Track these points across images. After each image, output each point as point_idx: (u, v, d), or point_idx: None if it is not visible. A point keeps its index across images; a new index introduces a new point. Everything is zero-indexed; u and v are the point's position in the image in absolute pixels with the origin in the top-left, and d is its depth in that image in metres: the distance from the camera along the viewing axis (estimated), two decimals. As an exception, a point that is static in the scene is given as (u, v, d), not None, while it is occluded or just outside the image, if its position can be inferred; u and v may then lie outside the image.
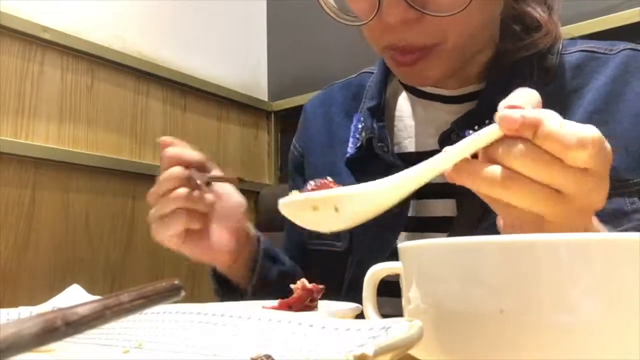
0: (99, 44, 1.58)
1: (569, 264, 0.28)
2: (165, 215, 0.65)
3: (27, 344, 0.18)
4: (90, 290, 0.50)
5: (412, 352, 0.27)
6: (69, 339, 0.20)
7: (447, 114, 0.69)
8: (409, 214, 0.70)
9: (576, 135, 0.37)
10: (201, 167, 0.67)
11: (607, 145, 0.38)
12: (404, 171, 0.40)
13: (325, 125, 0.83)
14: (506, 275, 0.28)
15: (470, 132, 0.64)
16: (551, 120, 0.37)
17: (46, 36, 1.46)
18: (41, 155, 1.43)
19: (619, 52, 0.68)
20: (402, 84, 0.77)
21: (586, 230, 0.42)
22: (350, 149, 0.75)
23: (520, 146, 0.37)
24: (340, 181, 0.75)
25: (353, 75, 0.87)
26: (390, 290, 0.41)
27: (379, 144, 0.71)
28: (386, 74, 0.78)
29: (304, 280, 0.47)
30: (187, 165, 0.66)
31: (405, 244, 0.34)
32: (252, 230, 0.75)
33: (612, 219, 0.59)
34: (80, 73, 1.55)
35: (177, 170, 0.65)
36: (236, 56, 2.04)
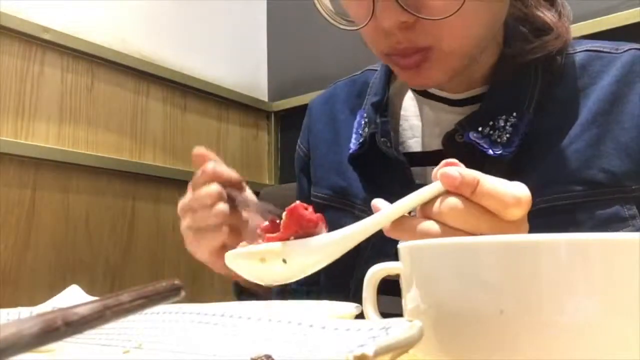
0: (99, 44, 1.59)
1: (569, 264, 0.28)
2: (204, 229, 0.64)
3: (27, 344, 0.18)
4: (90, 290, 0.50)
5: (412, 352, 0.27)
6: (69, 339, 0.20)
7: (453, 116, 0.70)
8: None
9: (513, 194, 0.41)
10: (237, 186, 0.68)
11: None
12: (352, 225, 0.43)
13: (330, 123, 0.83)
14: (506, 275, 0.28)
15: (474, 133, 0.65)
16: (488, 179, 0.42)
17: (46, 36, 1.46)
18: (41, 155, 1.43)
19: (624, 52, 0.68)
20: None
21: None
22: (353, 145, 0.75)
23: (453, 201, 0.42)
24: (346, 179, 0.76)
25: (357, 73, 0.87)
26: (391, 289, 0.42)
27: (382, 139, 0.71)
28: (389, 71, 0.77)
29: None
30: (225, 183, 0.66)
31: (405, 244, 0.34)
32: None
33: (610, 225, 0.60)
34: (80, 73, 1.55)
35: (216, 188, 0.65)
36: (236, 56, 2.05)
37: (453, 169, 0.43)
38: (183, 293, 0.23)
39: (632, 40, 0.72)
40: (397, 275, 0.36)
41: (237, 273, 0.44)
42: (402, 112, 0.76)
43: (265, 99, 2.13)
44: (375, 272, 0.38)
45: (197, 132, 1.85)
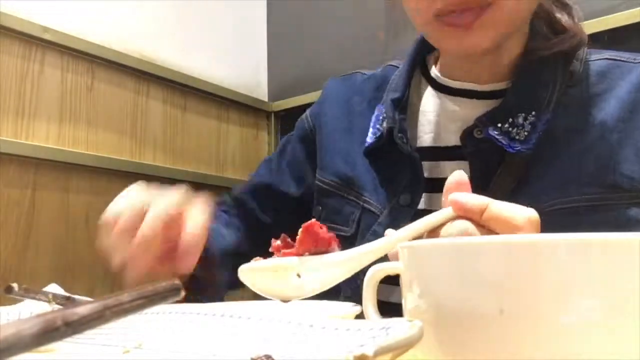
0: (99, 44, 1.58)
1: (569, 264, 0.28)
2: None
3: (27, 344, 0.18)
4: (90, 290, 0.50)
5: (412, 352, 0.27)
6: (69, 339, 0.20)
7: (472, 111, 0.70)
8: (420, 207, 0.71)
9: (523, 216, 0.42)
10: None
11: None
12: (366, 244, 0.43)
13: (345, 111, 0.84)
14: (506, 275, 0.28)
15: (493, 129, 0.66)
16: (496, 203, 0.43)
17: (46, 36, 1.46)
18: (41, 155, 1.43)
19: None
20: (428, 80, 0.78)
21: None
22: (370, 139, 0.76)
23: (463, 225, 0.43)
24: (355, 169, 0.77)
25: (378, 69, 0.88)
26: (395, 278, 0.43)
27: (399, 135, 0.72)
28: (412, 68, 0.79)
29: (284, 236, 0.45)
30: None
31: (405, 244, 0.34)
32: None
33: (628, 227, 0.61)
34: (80, 73, 1.55)
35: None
36: (236, 56, 2.04)
37: (462, 195, 0.44)
38: (183, 293, 0.23)
39: (632, 41, 0.73)
40: (397, 276, 0.36)
41: (251, 288, 0.43)
42: (421, 108, 0.77)
43: (265, 99, 2.13)
44: (375, 272, 0.38)
45: (197, 132, 1.85)
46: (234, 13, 2.04)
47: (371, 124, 0.78)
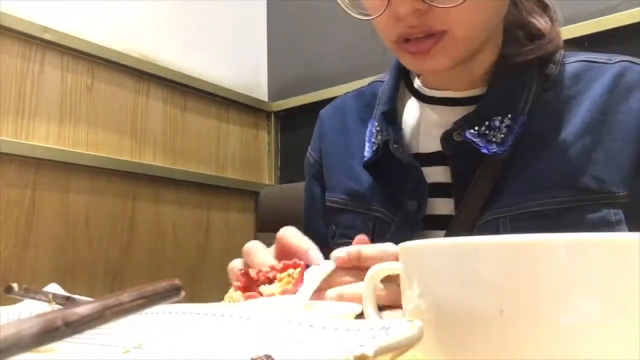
0: (99, 44, 1.59)
1: (568, 264, 0.28)
2: None
3: (27, 344, 0.18)
4: (91, 290, 0.50)
5: (412, 352, 0.27)
6: (69, 339, 0.20)
7: (452, 117, 0.72)
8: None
9: (393, 250, 0.52)
10: None
11: None
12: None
13: (342, 132, 0.87)
14: (506, 275, 0.28)
15: (470, 132, 0.69)
16: (367, 247, 0.55)
17: (46, 36, 1.46)
18: (41, 155, 1.43)
19: (615, 63, 0.72)
20: (410, 90, 0.81)
21: None
22: (367, 153, 0.79)
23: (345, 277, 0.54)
24: (360, 183, 0.81)
25: (365, 85, 0.91)
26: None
27: (395, 146, 0.74)
28: (397, 81, 0.81)
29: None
30: None
31: (405, 244, 0.34)
32: None
33: (598, 228, 0.63)
34: (80, 73, 1.55)
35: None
36: (236, 56, 2.05)
37: (341, 250, 0.54)
38: (183, 293, 0.23)
39: (632, 41, 0.73)
40: (397, 276, 0.36)
41: None
42: (404, 117, 0.79)
43: (265, 99, 2.13)
44: (375, 272, 0.38)
45: (197, 132, 1.85)
46: (234, 13, 2.04)
47: (366, 138, 0.80)
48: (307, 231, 0.91)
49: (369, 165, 0.79)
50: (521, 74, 0.71)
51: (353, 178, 0.81)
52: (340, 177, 0.84)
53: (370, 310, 0.38)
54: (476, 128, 0.69)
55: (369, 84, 0.91)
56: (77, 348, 0.38)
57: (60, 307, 0.42)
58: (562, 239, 0.28)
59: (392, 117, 0.77)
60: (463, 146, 0.69)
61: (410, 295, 0.33)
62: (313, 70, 2.03)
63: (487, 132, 0.68)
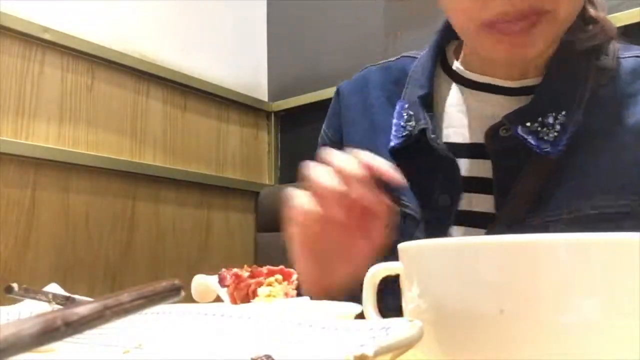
0: (99, 44, 1.59)
1: (568, 263, 0.28)
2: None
3: (27, 344, 0.18)
4: (91, 290, 0.51)
5: (412, 352, 0.27)
6: (69, 339, 0.20)
7: (497, 107, 0.68)
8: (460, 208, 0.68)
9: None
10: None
11: None
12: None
13: (364, 111, 0.79)
14: (506, 275, 0.28)
15: (522, 128, 0.63)
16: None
17: (46, 36, 1.46)
18: (41, 155, 1.43)
19: None
20: (449, 75, 0.74)
21: None
22: (395, 139, 0.71)
23: None
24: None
25: (392, 59, 0.83)
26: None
27: (432, 136, 0.68)
28: (434, 62, 0.75)
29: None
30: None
31: (405, 244, 0.34)
32: None
33: None
34: (80, 73, 1.55)
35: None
36: (236, 56, 2.05)
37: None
38: (183, 293, 0.23)
39: (632, 40, 0.72)
40: (397, 276, 0.36)
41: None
42: (444, 103, 0.73)
43: (265, 99, 2.13)
44: (375, 272, 0.38)
45: (197, 132, 1.85)
46: (234, 13, 2.04)
47: (393, 121, 0.73)
48: None
49: (395, 152, 0.71)
50: (578, 66, 0.66)
51: None
52: None
53: (370, 310, 0.38)
54: (528, 124, 0.63)
55: (397, 58, 0.82)
56: (77, 348, 0.38)
57: (60, 307, 0.42)
58: (562, 239, 0.28)
59: (429, 103, 0.71)
60: (511, 142, 0.64)
61: (410, 296, 0.33)
62: (313, 70, 2.03)
63: (539, 128, 0.63)
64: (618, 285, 0.27)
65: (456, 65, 0.74)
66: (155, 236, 1.69)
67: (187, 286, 0.22)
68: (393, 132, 0.72)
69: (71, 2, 1.55)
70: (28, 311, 0.45)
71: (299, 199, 0.55)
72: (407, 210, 0.69)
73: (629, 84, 0.66)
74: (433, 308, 0.31)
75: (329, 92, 1.84)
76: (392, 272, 0.37)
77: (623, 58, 0.68)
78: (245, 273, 0.52)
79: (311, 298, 0.58)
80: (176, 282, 0.23)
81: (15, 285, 0.44)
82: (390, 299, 0.41)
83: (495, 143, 0.65)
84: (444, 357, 0.31)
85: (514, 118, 0.64)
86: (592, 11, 0.68)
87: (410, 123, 0.71)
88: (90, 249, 1.52)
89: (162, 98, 1.77)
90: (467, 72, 0.72)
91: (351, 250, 0.58)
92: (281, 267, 0.53)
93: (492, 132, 0.65)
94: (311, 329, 0.31)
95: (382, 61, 0.84)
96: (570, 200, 0.62)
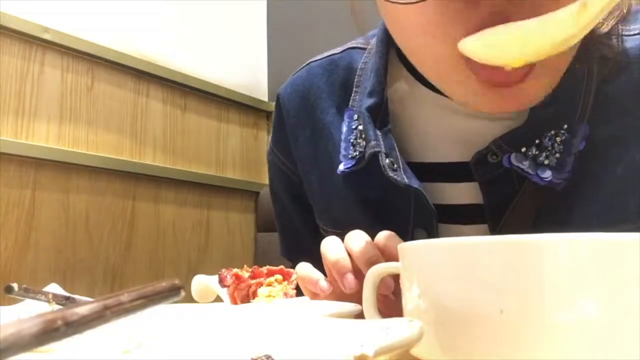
0: (99, 44, 1.58)
1: (569, 263, 0.28)
2: None
3: (27, 344, 0.18)
4: (91, 290, 0.51)
5: (412, 352, 0.27)
6: (69, 339, 0.20)
7: (479, 121, 0.55)
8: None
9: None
10: None
11: None
12: None
13: (311, 126, 0.64)
14: (506, 275, 0.28)
15: (517, 156, 0.50)
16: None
17: (46, 36, 1.46)
18: (41, 155, 1.43)
19: None
20: (410, 72, 0.58)
21: None
22: (346, 160, 0.58)
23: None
24: (347, 202, 0.59)
25: (336, 51, 0.67)
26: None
27: (387, 161, 0.55)
28: (386, 54, 0.58)
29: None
30: None
31: (405, 244, 0.34)
32: None
33: None
34: (80, 73, 1.55)
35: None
36: (236, 56, 2.05)
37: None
38: (183, 293, 0.23)
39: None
40: (397, 275, 0.36)
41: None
42: (408, 110, 0.58)
43: (265, 99, 2.13)
44: (375, 272, 0.38)
45: (197, 132, 1.85)
46: (234, 13, 2.04)
47: (342, 137, 0.60)
48: (285, 232, 0.72)
49: (347, 178, 0.58)
50: (580, 66, 0.51)
51: (334, 195, 0.61)
52: (320, 198, 0.63)
53: (370, 310, 0.38)
54: (523, 150, 0.50)
55: (343, 50, 0.66)
56: (77, 348, 0.38)
57: (60, 307, 0.42)
58: (562, 238, 0.28)
59: (381, 115, 0.56)
60: (502, 168, 0.51)
61: (410, 295, 0.33)
62: (313, 70, 2.02)
63: (537, 152, 0.50)
64: (618, 285, 0.27)
65: None
66: (155, 236, 1.69)
67: (187, 286, 0.22)
68: (342, 152, 0.59)
69: (71, 2, 1.55)
70: (28, 311, 0.45)
71: (314, 275, 0.49)
72: None
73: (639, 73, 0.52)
74: (433, 308, 0.31)
75: (329, 92, 1.85)
76: (392, 272, 0.37)
77: (629, 36, 0.52)
78: (245, 273, 0.52)
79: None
80: (176, 282, 0.23)
81: (15, 285, 0.44)
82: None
83: (483, 171, 0.53)
84: (444, 357, 0.31)
85: (506, 144, 0.51)
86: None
87: (359, 141, 0.57)
88: (90, 249, 1.52)
89: (162, 98, 1.77)
90: None
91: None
92: (281, 267, 0.53)
93: (479, 160, 0.53)
94: (311, 329, 0.31)
95: (325, 53, 0.70)
96: (571, 229, 0.50)
